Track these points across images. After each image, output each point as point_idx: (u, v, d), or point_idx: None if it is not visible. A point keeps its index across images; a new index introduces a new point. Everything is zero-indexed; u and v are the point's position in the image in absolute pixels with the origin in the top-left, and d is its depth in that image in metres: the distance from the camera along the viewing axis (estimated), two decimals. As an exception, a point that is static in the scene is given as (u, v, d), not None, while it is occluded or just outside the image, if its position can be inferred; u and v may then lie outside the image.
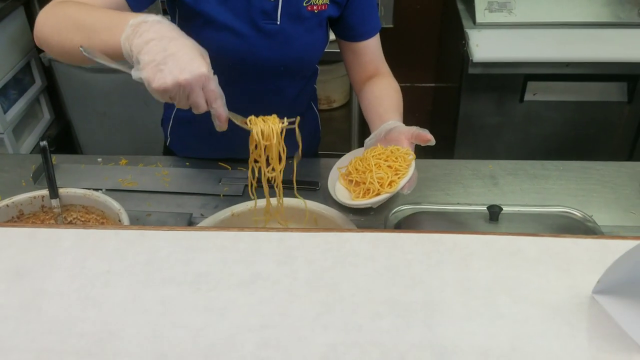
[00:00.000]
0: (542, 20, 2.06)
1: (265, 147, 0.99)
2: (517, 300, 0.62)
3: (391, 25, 2.32)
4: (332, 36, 2.30)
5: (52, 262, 0.68)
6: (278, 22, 1.16)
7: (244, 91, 1.27)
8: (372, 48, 1.28)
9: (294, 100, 1.34)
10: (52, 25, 0.97)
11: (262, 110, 1.32)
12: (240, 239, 0.70)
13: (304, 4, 1.17)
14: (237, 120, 0.97)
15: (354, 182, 1.10)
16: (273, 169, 1.02)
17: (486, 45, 1.95)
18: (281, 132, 0.99)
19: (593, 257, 0.67)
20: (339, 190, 1.13)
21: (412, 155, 1.07)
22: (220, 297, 0.63)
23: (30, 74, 2.58)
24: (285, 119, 0.99)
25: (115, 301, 0.64)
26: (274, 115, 1.00)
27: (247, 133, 1.41)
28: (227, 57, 1.18)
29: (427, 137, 1.08)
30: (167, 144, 1.45)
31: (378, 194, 1.03)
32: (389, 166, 1.05)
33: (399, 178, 1.03)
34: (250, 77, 1.24)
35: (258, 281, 0.65)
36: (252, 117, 1.00)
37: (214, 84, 0.86)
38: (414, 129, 1.10)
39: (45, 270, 0.67)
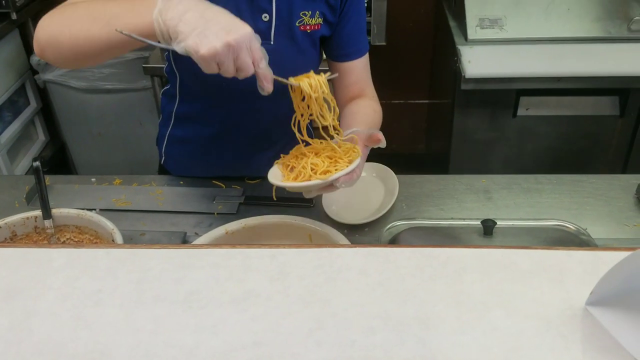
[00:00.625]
0: (533, 36, 2.09)
1: (309, 104, 1.00)
2: (511, 313, 0.62)
3: (384, 43, 2.34)
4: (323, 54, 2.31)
5: (43, 282, 0.68)
6: (272, 42, 1.16)
7: (239, 110, 1.27)
8: (358, 69, 1.27)
9: (289, 117, 1.34)
10: (61, 23, 0.94)
11: (256, 128, 1.33)
12: (232, 256, 0.70)
13: (297, 24, 1.17)
14: (281, 80, 0.97)
15: (290, 166, 1.03)
16: (323, 118, 1.01)
17: (478, 62, 1.97)
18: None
19: (586, 269, 0.67)
20: (273, 172, 1.04)
21: (358, 152, 1.01)
22: (212, 315, 0.63)
23: (25, 95, 2.58)
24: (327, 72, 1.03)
25: (107, 321, 0.63)
26: (312, 71, 1.02)
27: (240, 160, 1.41)
28: (223, 80, 1.18)
29: (377, 137, 1.04)
30: (162, 162, 1.45)
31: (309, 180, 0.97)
32: (327, 156, 1.01)
33: (336, 169, 0.97)
34: (245, 96, 1.24)
35: (250, 298, 0.65)
36: (293, 77, 1.01)
37: (258, 44, 0.85)
38: (367, 131, 1.05)
39: (37, 290, 0.67)
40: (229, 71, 0.85)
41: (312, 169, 0.98)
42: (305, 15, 1.17)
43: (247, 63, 0.85)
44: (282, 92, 1.27)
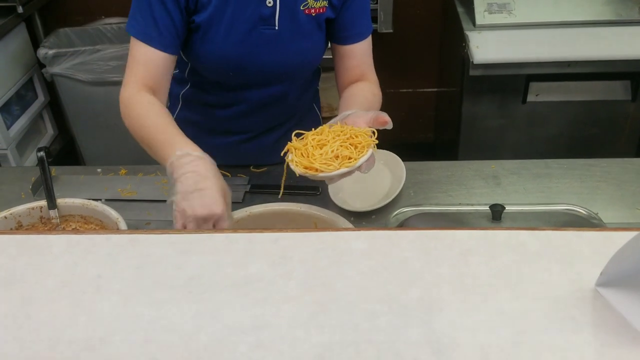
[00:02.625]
0: (543, 20, 2.05)
1: None
2: (519, 295, 0.60)
3: (391, 31, 2.31)
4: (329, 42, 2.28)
5: (42, 269, 0.67)
6: (276, 27, 1.16)
7: (247, 96, 1.27)
8: (359, 52, 1.25)
9: (296, 102, 1.33)
10: (130, 124, 1.15)
11: (265, 113, 1.32)
12: (233, 241, 0.69)
13: (301, 8, 1.16)
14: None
15: (307, 154, 1.00)
16: None
17: (486, 47, 1.94)
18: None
19: (596, 249, 0.65)
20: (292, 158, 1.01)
21: (373, 135, 1.00)
22: (213, 300, 0.62)
23: (33, 89, 2.59)
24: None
25: (106, 306, 0.62)
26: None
27: (247, 142, 1.40)
28: (229, 65, 1.19)
29: (384, 119, 1.02)
30: None
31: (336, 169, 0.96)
32: (350, 144, 0.99)
33: (358, 156, 0.97)
34: (252, 82, 1.24)
35: (252, 282, 0.64)
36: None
37: (225, 224, 0.96)
38: (372, 113, 1.05)
39: (36, 277, 0.66)
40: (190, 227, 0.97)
41: (335, 156, 0.97)
42: None
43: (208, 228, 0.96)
44: (290, 78, 1.26)
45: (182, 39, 1.16)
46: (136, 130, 1.12)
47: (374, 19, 2.28)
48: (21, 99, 2.50)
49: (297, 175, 0.99)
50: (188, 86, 1.32)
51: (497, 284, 0.62)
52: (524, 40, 1.98)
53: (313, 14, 1.18)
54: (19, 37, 2.44)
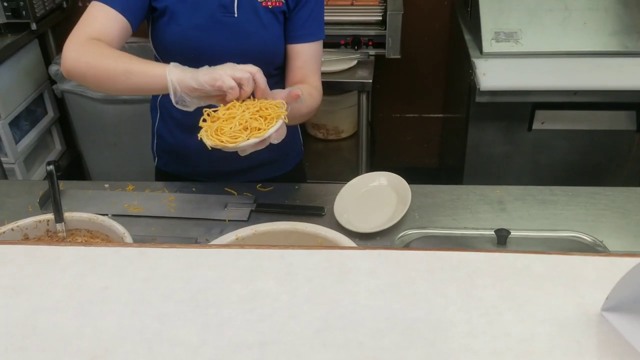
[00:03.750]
0: (549, 50, 2.07)
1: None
2: (524, 317, 0.60)
3: (399, 57, 2.34)
4: (338, 67, 2.32)
5: (50, 279, 0.67)
6: (235, 15, 1.24)
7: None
8: (305, 54, 1.31)
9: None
10: (87, 65, 1.12)
11: None
12: (240, 256, 0.69)
13: (259, 0, 1.25)
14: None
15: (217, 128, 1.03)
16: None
17: (493, 74, 1.96)
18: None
19: (601, 274, 0.66)
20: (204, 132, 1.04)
21: (283, 106, 1.05)
22: (219, 314, 0.62)
23: (43, 105, 2.62)
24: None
25: (112, 318, 0.62)
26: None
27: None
28: (191, 50, 1.25)
29: (295, 93, 1.08)
30: (156, 164, 1.49)
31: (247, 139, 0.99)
32: (255, 112, 1.02)
33: (267, 126, 1.00)
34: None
35: (257, 298, 0.64)
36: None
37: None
38: (287, 89, 1.11)
39: (43, 287, 0.67)
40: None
41: (244, 128, 1.00)
42: None
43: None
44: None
45: (142, 16, 1.23)
46: (98, 62, 1.11)
47: (382, 45, 2.32)
48: (31, 114, 2.53)
49: (209, 148, 1.01)
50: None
51: (503, 306, 0.62)
52: (530, 69, 2.00)
53: (270, 6, 1.26)
54: (31, 54, 2.48)
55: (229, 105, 1.04)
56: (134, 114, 2.51)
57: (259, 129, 1.00)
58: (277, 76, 1.37)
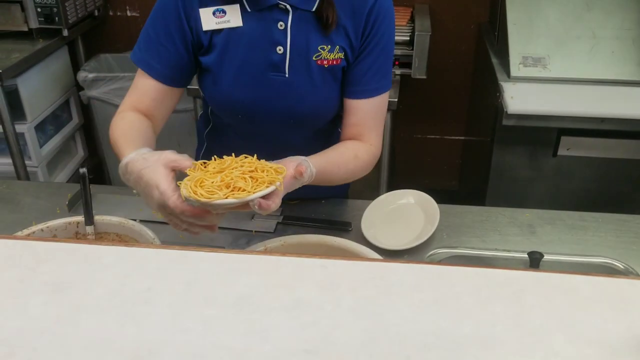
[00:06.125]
0: (577, 77, 2.07)
1: None
2: (573, 338, 0.59)
3: (424, 77, 2.34)
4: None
5: (92, 278, 0.67)
6: (286, 75, 1.13)
7: (257, 143, 1.20)
8: (361, 111, 1.17)
9: (308, 152, 1.20)
10: (112, 135, 1.15)
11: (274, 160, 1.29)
12: (282, 264, 0.69)
13: (314, 58, 1.13)
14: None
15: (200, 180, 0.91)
16: None
17: (521, 98, 1.95)
18: None
19: (650, 299, 0.65)
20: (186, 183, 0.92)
21: (283, 172, 0.92)
22: (262, 321, 0.62)
23: (69, 111, 2.64)
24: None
25: (155, 319, 0.62)
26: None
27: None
28: (237, 108, 1.18)
29: (299, 169, 0.96)
30: None
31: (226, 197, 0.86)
32: (251, 176, 0.90)
33: (255, 190, 0.87)
34: (261, 128, 1.22)
35: (300, 306, 0.63)
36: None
37: (171, 202, 0.91)
38: (301, 160, 1.01)
39: (85, 286, 0.66)
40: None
41: (227, 185, 0.88)
42: (324, 50, 1.12)
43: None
44: (300, 127, 1.24)
45: (189, 74, 1.18)
46: (112, 134, 1.15)
47: (408, 65, 2.32)
48: (56, 119, 2.55)
49: (183, 198, 0.89)
50: (210, 126, 1.34)
51: (551, 325, 0.61)
52: (558, 94, 2.00)
53: (326, 65, 1.13)
54: (60, 60, 2.51)
55: (224, 159, 0.94)
56: (158, 124, 2.52)
57: (243, 190, 0.87)
58: (332, 128, 1.30)
